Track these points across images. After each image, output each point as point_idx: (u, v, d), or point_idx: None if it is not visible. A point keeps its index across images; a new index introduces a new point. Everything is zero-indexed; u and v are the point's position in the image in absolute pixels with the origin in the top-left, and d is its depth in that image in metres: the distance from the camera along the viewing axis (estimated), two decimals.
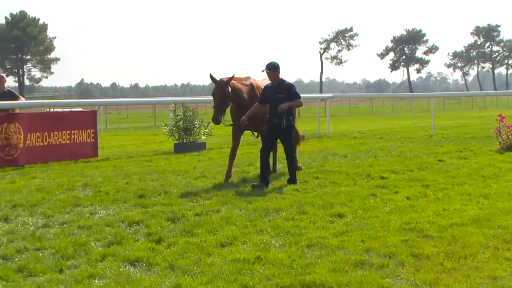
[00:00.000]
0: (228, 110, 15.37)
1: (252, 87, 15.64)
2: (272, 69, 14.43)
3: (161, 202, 12.17)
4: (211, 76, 15.04)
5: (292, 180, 14.40)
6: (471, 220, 10.18)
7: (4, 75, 22.88)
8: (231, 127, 15.70)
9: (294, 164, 15.05)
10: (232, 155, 15.53)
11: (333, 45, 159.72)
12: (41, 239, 9.45)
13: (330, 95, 35.96)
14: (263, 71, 14.58)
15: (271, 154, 15.68)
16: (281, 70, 14.49)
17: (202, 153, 21.68)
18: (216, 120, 14.70)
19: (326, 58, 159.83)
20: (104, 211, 11.45)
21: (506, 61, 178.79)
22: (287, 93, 14.41)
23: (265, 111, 14.75)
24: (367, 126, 37.14)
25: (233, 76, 15.16)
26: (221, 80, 14.90)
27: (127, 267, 8.02)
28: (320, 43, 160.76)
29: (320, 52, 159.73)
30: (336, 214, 10.82)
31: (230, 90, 14.82)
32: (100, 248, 8.94)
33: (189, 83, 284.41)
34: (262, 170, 14.49)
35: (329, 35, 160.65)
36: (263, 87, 15.19)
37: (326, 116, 31.55)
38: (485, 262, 8.00)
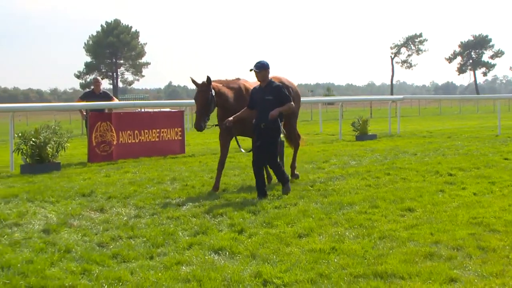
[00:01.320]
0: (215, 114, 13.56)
1: (239, 90, 13.60)
2: (261, 68, 12.44)
3: (243, 195, 12.22)
4: (192, 80, 13.14)
5: (286, 190, 12.42)
6: None
7: (99, 78, 23.31)
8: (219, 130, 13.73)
9: (283, 171, 12.88)
10: (221, 164, 13.54)
11: (403, 50, 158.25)
12: (133, 228, 9.59)
13: (401, 96, 35.59)
14: (251, 70, 12.48)
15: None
16: (270, 69, 12.62)
17: None
18: (199, 126, 12.79)
19: (396, 62, 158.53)
20: (191, 203, 11.53)
21: None
22: (276, 95, 12.42)
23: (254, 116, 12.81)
24: (435, 126, 36.70)
25: (215, 80, 13.32)
26: (203, 83, 12.88)
27: (212, 255, 8.08)
28: (391, 48, 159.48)
29: (391, 56, 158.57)
30: (407, 209, 10.74)
31: (213, 94, 12.88)
32: (187, 237, 9.02)
33: None
34: (258, 183, 12.44)
35: (399, 40, 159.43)
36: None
37: (397, 117, 31.30)
38: None
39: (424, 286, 6.70)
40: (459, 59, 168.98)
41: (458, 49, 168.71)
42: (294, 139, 15.21)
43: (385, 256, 7.82)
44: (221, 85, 13.34)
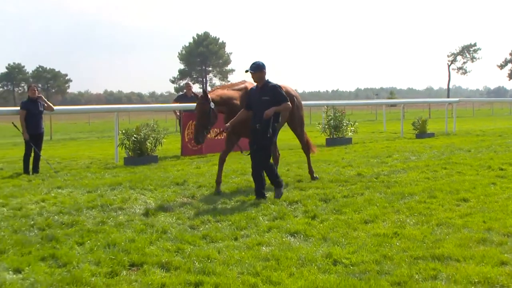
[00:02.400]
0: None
1: (244, 92, 12.09)
2: (256, 69, 10.96)
3: (315, 185, 12.18)
4: (194, 94, 12.12)
5: (278, 194, 11.04)
6: None
7: (191, 83, 23.59)
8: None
9: (277, 173, 11.37)
10: (221, 160, 12.27)
11: (459, 58, 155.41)
12: (220, 213, 9.65)
13: (457, 99, 35.08)
14: (247, 71, 11.04)
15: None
16: (266, 71, 11.15)
17: (349, 147, 21.56)
18: (196, 140, 11.42)
19: (453, 69, 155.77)
20: (270, 192, 11.51)
21: None
22: (272, 95, 10.96)
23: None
24: (488, 126, 35.94)
25: (218, 86, 12.03)
26: (200, 96, 11.50)
27: (288, 238, 8.08)
28: (448, 56, 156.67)
29: (448, 64, 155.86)
30: (461, 199, 10.57)
31: (212, 106, 11.29)
32: (266, 222, 9.05)
33: (338, 89, 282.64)
34: (257, 187, 11.15)
35: (455, 49, 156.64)
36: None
37: (453, 117, 30.76)
38: None
39: (477, 268, 6.59)
40: (510, 65, 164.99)
41: (509, 57, 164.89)
42: (303, 146, 13.82)
43: (442, 241, 7.72)
44: (225, 90, 12.04)
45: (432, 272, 6.50)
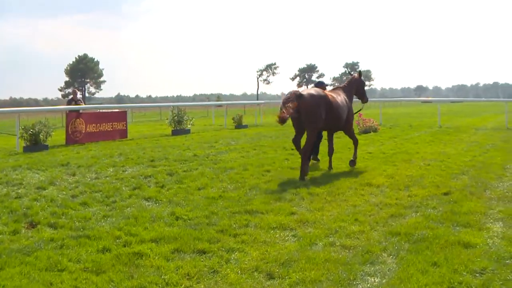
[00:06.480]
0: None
1: None
2: None
3: (163, 164, 12.00)
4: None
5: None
6: (345, 173, 10.27)
7: (76, 89, 22.31)
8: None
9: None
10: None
11: (264, 72, 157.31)
12: (94, 185, 9.27)
13: (263, 101, 35.85)
14: None
15: None
16: None
17: (188, 135, 21.45)
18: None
19: (260, 80, 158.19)
20: (130, 169, 11.22)
21: None
22: None
23: None
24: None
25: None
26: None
27: (144, 202, 7.91)
28: (257, 71, 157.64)
29: (257, 76, 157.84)
30: (265, 170, 10.80)
31: None
32: (128, 191, 8.78)
33: (180, 94, 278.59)
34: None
35: (262, 67, 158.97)
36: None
37: (260, 114, 31.35)
38: (349, 197, 8.10)
39: (275, 217, 6.77)
40: (297, 78, 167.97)
41: (297, 72, 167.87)
42: None
43: (252, 200, 7.85)
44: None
45: (245, 221, 6.60)
